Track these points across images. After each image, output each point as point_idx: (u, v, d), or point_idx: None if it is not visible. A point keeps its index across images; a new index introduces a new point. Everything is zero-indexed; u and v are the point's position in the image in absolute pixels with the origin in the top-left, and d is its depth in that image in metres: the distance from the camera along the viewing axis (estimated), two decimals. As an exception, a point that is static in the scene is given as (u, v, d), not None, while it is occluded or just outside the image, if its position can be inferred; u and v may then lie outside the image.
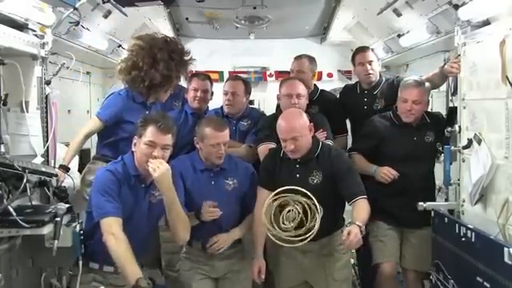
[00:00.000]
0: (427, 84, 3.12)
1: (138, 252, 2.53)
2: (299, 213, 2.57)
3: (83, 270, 2.49)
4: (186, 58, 3.03)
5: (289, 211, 2.58)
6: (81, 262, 2.47)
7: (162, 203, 2.53)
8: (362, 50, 3.59)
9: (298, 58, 3.63)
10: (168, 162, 2.52)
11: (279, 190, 2.59)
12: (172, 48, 2.90)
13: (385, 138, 3.15)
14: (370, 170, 3.11)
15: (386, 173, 3.07)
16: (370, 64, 3.49)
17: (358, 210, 2.58)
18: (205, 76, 3.55)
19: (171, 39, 3.02)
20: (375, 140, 3.18)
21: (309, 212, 2.57)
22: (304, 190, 2.56)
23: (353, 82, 4.26)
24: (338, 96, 3.91)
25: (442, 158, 3.04)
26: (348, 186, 2.69)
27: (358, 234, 2.38)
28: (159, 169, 2.40)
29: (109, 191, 2.44)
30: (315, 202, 2.53)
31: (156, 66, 2.81)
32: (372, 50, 3.63)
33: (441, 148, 3.04)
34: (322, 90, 3.72)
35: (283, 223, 2.57)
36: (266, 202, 2.58)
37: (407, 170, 3.05)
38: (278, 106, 3.38)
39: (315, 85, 3.67)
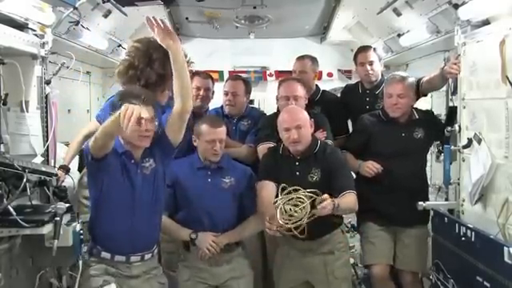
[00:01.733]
0: (411, 79, 3.13)
1: (147, 235, 2.51)
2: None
3: (96, 261, 2.44)
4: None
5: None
6: (81, 262, 2.46)
7: (154, 173, 2.51)
8: (364, 49, 3.58)
9: (301, 58, 3.62)
10: None
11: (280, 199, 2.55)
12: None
13: (373, 134, 3.15)
14: (355, 166, 3.11)
15: (370, 166, 3.07)
16: (371, 64, 3.49)
17: (342, 197, 2.61)
18: (206, 75, 3.56)
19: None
20: (364, 137, 3.18)
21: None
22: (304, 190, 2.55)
23: (353, 81, 4.27)
24: (338, 96, 3.91)
25: (441, 157, 3.04)
26: (338, 181, 2.71)
27: (329, 204, 2.41)
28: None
29: None
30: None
31: (152, 65, 2.81)
32: (374, 49, 3.61)
33: (441, 147, 3.04)
34: (324, 91, 3.71)
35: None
36: (274, 203, 2.53)
37: (396, 167, 3.04)
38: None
39: (317, 85, 3.66)
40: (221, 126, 2.85)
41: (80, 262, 2.47)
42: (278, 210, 2.46)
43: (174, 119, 2.47)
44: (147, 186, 2.48)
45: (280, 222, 2.44)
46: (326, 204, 2.40)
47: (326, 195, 2.43)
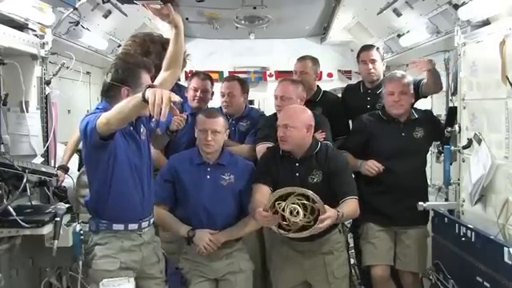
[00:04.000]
0: (409, 77, 3.15)
1: (151, 197, 2.51)
2: (303, 209, 2.52)
3: (107, 236, 2.38)
4: None
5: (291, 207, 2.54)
6: (81, 263, 2.45)
7: (146, 137, 2.51)
8: (367, 48, 3.58)
9: (301, 59, 3.62)
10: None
11: (278, 193, 2.54)
12: (165, 40, 2.88)
13: (373, 134, 3.15)
14: (356, 165, 3.10)
15: (371, 165, 3.06)
16: (373, 63, 3.49)
17: (345, 205, 2.63)
18: (205, 75, 3.54)
19: (166, 38, 3.00)
20: (364, 136, 3.18)
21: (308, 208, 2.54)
22: (302, 190, 2.54)
23: (353, 81, 4.27)
24: (338, 96, 3.91)
25: (441, 157, 3.03)
26: (341, 185, 2.71)
27: (331, 218, 2.43)
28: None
29: None
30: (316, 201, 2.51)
31: (148, 57, 2.82)
32: (377, 48, 3.61)
33: (441, 148, 3.04)
34: (325, 91, 3.71)
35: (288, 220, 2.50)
36: (266, 205, 2.50)
37: (396, 167, 3.04)
38: None
39: (318, 86, 3.66)
40: (216, 117, 2.83)
41: (80, 263, 2.46)
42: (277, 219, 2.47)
43: (167, 83, 2.45)
44: (146, 148, 2.50)
45: (280, 231, 2.47)
46: (329, 219, 2.42)
47: (328, 214, 2.42)
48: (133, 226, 2.41)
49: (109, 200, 2.37)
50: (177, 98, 1.98)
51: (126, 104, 2.11)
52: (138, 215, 2.44)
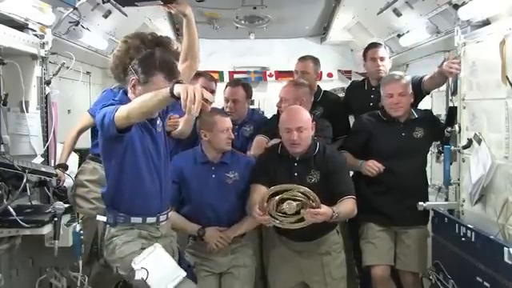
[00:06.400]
0: (408, 77, 3.14)
1: (168, 190, 2.49)
2: (297, 205, 2.53)
3: (125, 228, 2.34)
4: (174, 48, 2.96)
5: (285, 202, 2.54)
6: (81, 262, 2.45)
7: (163, 129, 2.47)
8: (375, 45, 3.58)
9: (302, 59, 3.62)
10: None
11: (274, 189, 2.55)
12: (159, 40, 2.85)
13: (373, 134, 3.15)
14: (356, 165, 3.11)
15: (372, 165, 3.06)
16: (382, 60, 3.49)
17: (342, 204, 2.65)
18: (211, 76, 3.56)
19: (161, 36, 2.96)
20: (364, 137, 3.18)
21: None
22: (299, 187, 2.55)
23: (353, 80, 4.26)
24: (339, 95, 3.91)
25: (441, 157, 3.03)
26: (338, 184, 2.72)
27: (323, 215, 2.46)
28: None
29: None
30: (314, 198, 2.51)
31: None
32: (385, 47, 3.62)
33: (441, 148, 3.03)
34: (326, 91, 3.71)
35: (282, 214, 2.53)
36: (262, 200, 2.54)
37: (396, 167, 3.04)
38: None
39: (318, 86, 3.66)
40: (228, 116, 3.00)
41: (80, 263, 2.46)
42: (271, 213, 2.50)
43: (183, 76, 2.45)
44: (163, 141, 2.46)
45: (273, 222, 2.49)
46: (321, 215, 2.45)
47: (320, 210, 2.45)
48: (151, 220, 2.37)
49: (126, 193, 2.34)
50: (209, 96, 1.97)
51: (150, 98, 2.08)
52: (156, 208, 2.40)
